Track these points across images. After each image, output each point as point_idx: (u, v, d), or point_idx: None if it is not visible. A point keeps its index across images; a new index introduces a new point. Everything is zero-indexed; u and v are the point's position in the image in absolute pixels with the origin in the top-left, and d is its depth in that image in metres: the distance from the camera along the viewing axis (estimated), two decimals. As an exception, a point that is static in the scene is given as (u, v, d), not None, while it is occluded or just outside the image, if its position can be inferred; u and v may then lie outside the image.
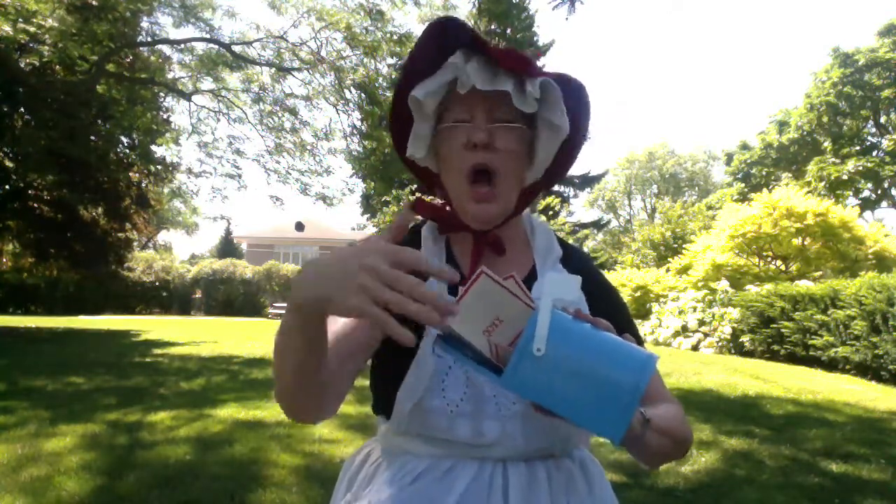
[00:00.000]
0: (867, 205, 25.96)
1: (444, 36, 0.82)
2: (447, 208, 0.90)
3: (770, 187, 15.60)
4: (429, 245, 0.90)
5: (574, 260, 0.93)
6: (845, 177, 24.24)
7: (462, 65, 0.80)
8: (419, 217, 0.92)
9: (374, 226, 20.68)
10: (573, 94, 0.85)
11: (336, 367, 0.74)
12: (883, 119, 26.30)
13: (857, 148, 25.74)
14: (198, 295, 25.55)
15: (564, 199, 26.66)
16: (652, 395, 0.83)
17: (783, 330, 8.95)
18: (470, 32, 0.81)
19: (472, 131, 0.81)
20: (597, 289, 0.90)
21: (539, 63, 0.84)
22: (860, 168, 24.17)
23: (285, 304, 0.66)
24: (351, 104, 13.46)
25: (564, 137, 0.85)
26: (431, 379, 0.78)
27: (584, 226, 27.14)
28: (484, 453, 0.79)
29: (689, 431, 0.83)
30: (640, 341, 0.89)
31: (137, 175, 13.52)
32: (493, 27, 24.51)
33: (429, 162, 0.90)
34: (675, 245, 20.76)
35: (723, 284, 11.91)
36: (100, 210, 12.84)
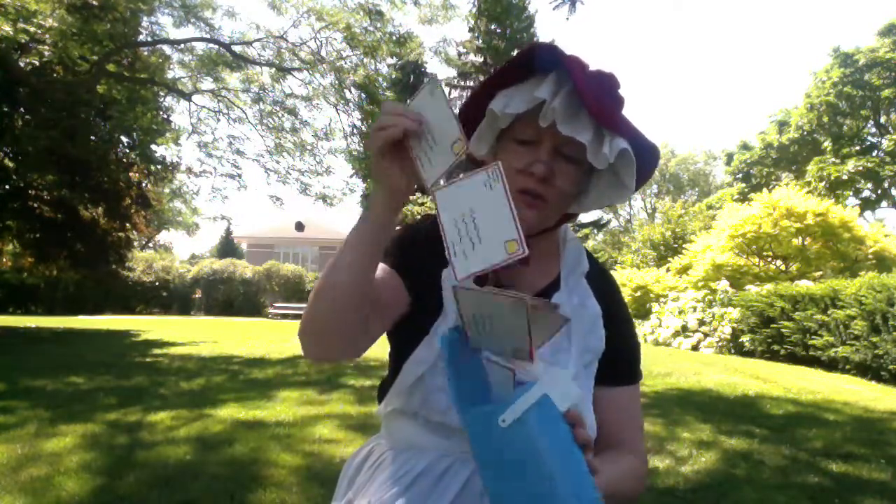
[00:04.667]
0: (867, 205, 25.95)
1: (534, 58, 0.80)
2: None
3: (770, 187, 15.59)
4: None
5: (599, 278, 0.92)
6: (845, 177, 24.24)
7: (551, 93, 0.77)
8: None
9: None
10: (645, 160, 0.83)
11: (373, 308, 0.78)
12: (883, 119, 26.29)
13: (857, 148, 25.73)
14: (198, 295, 25.53)
15: (564, 199, 26.64)
16: (614, 443, 0.84)
17: (783, 330, 8.95)
18: (566, 59, 0.78)
19: (534, 162, 0.80)
20: (613, 314, 0.90)
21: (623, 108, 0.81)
22: (860, 168, 24.16)
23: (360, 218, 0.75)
24: (351, 104, 13.44)
25: (626, 198, 0.85)
26: (439, 357, 0.80)
27: (584, 226, 27.10)
28: None
29: (639, 487, 0.81)
30: (637, 374, 0.93)
31: (137, 175, 13.52)
32: (492, 27, 24.53)
33: (485, 158, 0.89)
34: (675, 245, 20.76)
35: (723, 284, 11.91)
36: (100, 210, 12.82)
